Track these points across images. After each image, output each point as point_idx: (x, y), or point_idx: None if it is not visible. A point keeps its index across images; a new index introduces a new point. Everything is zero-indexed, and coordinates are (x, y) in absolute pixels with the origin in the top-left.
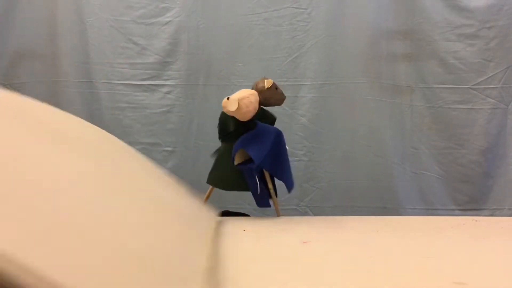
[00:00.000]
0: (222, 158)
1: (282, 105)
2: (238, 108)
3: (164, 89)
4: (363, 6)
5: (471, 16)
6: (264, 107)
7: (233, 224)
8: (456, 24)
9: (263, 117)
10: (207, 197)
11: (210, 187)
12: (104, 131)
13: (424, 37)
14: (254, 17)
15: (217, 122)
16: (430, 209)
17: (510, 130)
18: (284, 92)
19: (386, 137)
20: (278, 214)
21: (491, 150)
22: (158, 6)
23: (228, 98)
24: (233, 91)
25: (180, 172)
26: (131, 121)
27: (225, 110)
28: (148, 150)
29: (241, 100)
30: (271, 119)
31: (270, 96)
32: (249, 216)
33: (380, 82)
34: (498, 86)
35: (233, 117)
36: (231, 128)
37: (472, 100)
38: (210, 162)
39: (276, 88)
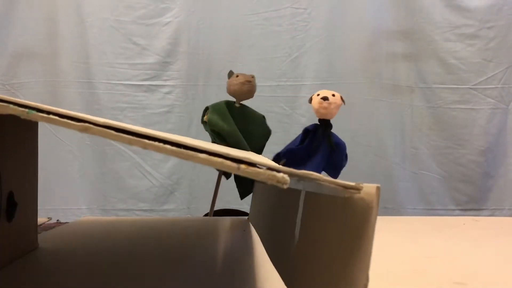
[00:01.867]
0: None
1: (282, 105)
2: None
3: (164, 89)
4: (363, 6)
5: (471, 16)
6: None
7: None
8: (456, 24)
9: (253, 113)
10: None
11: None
12: None
13: (424, 37)
14: (254, 17)
15: None
16: (430, 209)
17: (510, 130)
18: (284, 92)
19: (386, 137)
20: None
21: (491, 150)
22: (158, 7)
23: (325, 98)
24: None
25: (180, 172)
26: (131, 121)
27: (322, 105)
28: (148, 150)
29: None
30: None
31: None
32: (247, 214)
33: (380, 82)
34: (498, 86)
35: (223, 127)
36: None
37: (472, 100)
38: None
39: (237, 76)
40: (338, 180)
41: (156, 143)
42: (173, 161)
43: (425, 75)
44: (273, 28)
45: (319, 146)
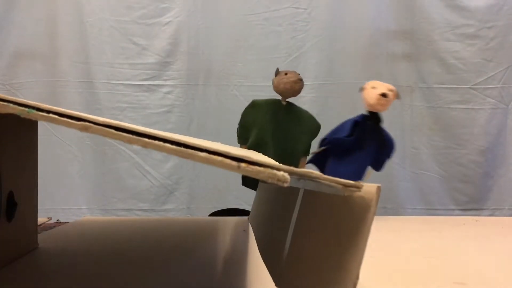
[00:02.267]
0: None
1: None
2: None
3: (164, 89)
4: (363, 6)
5: (471, 16)
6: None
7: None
8: (456, 24)
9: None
10: None
11: None
12: None
13: (424, 37)
14: (254, 17)
15: (216, 121)
16: (430, 209)
17: (510, 130)
18: None
19: None
20: None
21: (491, 150)
22: (158, 7)
23: (384, 95)
24: (232, 91)
25: (180, 172)
26: (131, 121)
27: (380, 102)
28: (148, 150)
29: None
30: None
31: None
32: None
33: None
34: (498, 86)
35: (254, 123)
36: (251, 135)
37: (472, 100)
38: None
39: (286, 74)
40: (338, 179)
41: (156, 142)
42: (173, 161)
43: (425, 75)
44: (273, 28)
45: (367, 140)
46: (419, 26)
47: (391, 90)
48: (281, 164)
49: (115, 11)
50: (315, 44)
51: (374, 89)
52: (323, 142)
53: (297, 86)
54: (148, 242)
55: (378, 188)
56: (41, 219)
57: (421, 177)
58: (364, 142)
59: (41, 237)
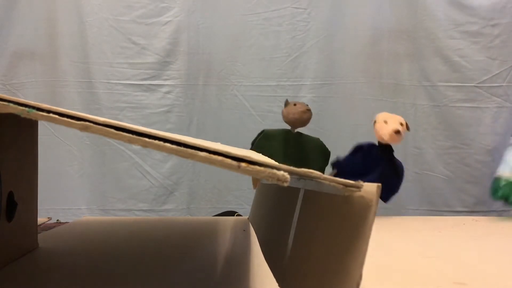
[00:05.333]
0: None
1: (282, 105)
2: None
3: (164, 89)
4: (364, 5)
5: (474, 13)
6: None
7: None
8: (460, 21)
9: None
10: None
11: None
12: None
13: (427, 35)
14: (254, 17)
15: (216, 121)
16: (434, 210)
17: None
18: (284, 92)
19: None
20: None
21: (498, 150)
22: (158, 6)
23: (397, 132)
24: (232, 91)
25: (179, 172)
26: (130, 121)
27: (394, 139)
28: (147, 150)
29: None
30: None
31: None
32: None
33: (383, 82)
34: (503, 84)
35: (267, 153)
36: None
37: (477, 98)
38: None
39: (295, 104)
40: (339, 179)
41: (156, 142)
42: (172, 161)
43: (429, 73)
44: (273, 28)
45: (374, 166)
46: (422, 24)
47: (402, 124)
48: (281, 164)
49: (114, 10)
50: (315, 44)
51: (386, 124)
52: (335, 164)
53: (305, 116)
54: (148, 242)
55: (378, 187)
56: (41, 219)
57: (424, 177)
58: (368, 167)
59: (41, 237)
